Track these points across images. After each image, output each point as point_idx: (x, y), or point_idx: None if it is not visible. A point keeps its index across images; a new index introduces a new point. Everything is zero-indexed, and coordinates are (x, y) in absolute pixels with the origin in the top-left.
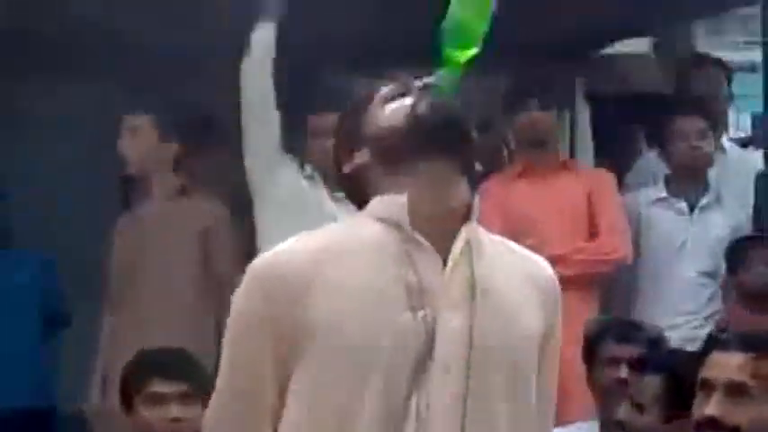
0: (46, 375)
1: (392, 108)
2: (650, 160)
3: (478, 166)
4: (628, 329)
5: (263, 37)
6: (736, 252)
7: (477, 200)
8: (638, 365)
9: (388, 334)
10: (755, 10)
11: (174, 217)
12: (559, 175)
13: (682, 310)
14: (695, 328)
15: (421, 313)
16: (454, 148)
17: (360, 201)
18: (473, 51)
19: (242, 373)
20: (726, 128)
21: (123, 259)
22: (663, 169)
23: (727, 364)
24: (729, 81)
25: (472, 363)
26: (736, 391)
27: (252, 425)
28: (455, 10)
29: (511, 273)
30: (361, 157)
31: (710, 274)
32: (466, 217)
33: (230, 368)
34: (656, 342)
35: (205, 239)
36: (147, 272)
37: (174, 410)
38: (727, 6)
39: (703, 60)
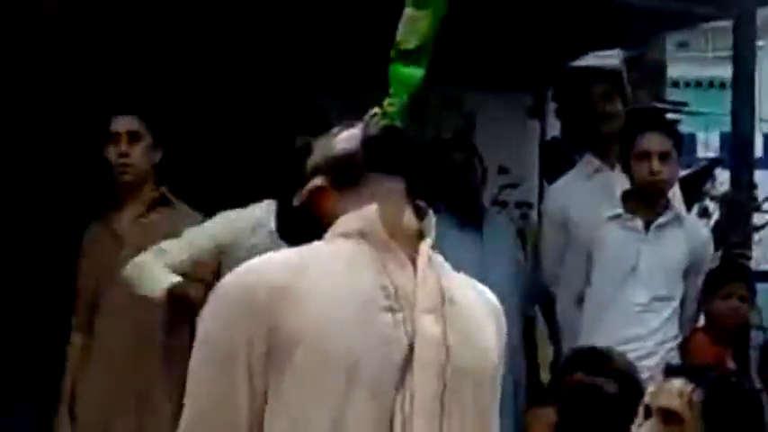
0: None
1: (343, 135)
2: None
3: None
4: (597, 360)
5: None
6: (715, 280)
7: (432, 221)
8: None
9: (373, 338)
10: (724, 24)
11: (157, 228)
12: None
13: (625, 337)
14: (639, 357)
15: (399, 316)
16: (402, 168)
17: (309, 237)
18: (420, 74)
19: (210, 400)
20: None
21: (97, 273)
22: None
23: (666, 392)
24: (623, 98)
25: (448, 363)
26: (671, 418)
27: None
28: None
29: (469, 293)
30: (316, 182)
31: (664, 298)
32: (419, 237)
33: (196, 397)
34: (626, 373)
35: None
36: (123, 286)
37: None
38: (696, 21)
39: (596, 74)
